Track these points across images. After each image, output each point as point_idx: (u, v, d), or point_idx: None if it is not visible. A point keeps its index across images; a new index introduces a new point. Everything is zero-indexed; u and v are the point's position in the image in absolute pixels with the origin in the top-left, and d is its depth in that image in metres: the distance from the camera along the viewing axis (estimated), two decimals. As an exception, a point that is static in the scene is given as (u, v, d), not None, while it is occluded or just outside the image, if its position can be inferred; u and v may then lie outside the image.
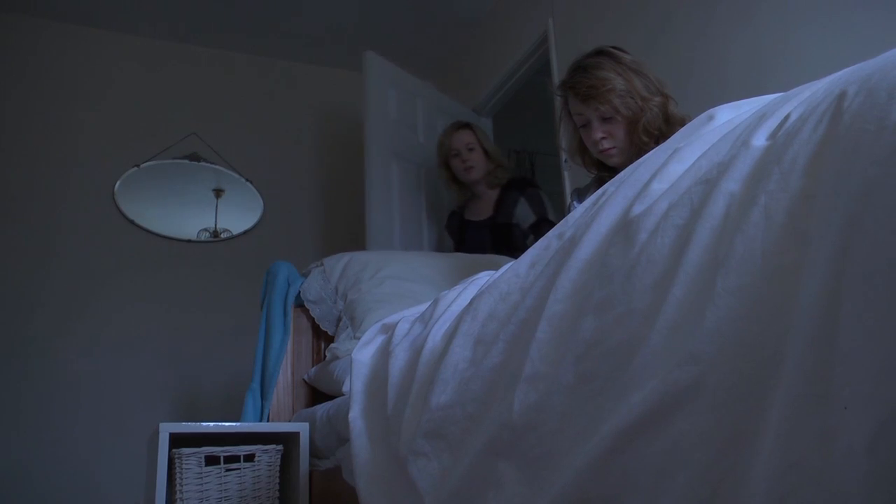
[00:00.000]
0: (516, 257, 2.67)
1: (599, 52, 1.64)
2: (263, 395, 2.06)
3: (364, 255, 2.29)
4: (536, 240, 3.14)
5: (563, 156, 2.69)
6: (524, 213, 2.78)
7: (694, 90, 2.18)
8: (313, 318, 2.17)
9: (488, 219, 2.85)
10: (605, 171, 1.73)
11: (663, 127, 1.59)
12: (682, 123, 1.47)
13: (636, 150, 1.59)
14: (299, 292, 2.21)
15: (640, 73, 1.60)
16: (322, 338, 2.22)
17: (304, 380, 2.18)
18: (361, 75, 3.23)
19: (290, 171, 3.81)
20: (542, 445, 0.68)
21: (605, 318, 0.65)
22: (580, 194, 1.82)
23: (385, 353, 1.14)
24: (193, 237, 3.52)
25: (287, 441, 1.78)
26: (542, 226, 2.69)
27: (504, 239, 2.78)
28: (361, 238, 3.19)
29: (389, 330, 1.24)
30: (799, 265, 0.50)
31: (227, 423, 1.76)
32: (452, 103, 3.73)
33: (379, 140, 3.15)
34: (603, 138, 1.61)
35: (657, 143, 1.55)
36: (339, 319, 2.12)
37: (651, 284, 0.62)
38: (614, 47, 1.65)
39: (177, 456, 1.62)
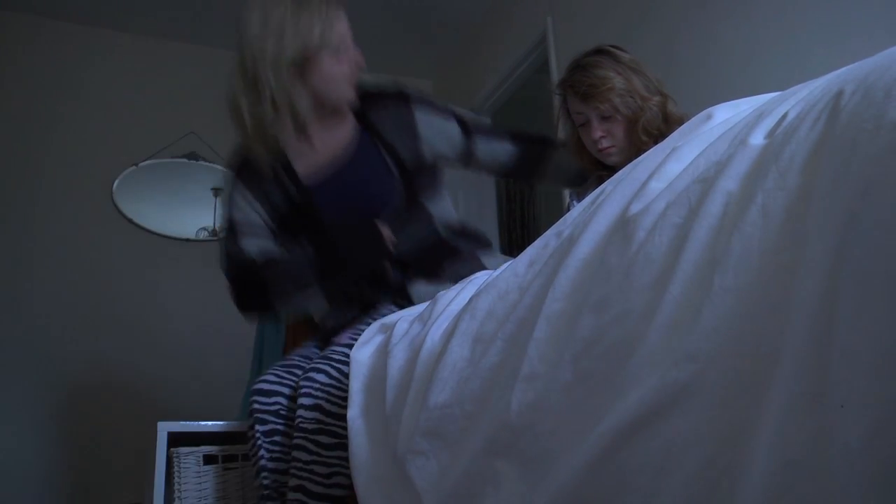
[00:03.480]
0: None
1: (598, 51, 1.64)
2: (262, 394, 2.05)
3: (363, 254, 2.28)
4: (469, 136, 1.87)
5: None
6: (439, 126, 1.66)
7: (692, 89, 2.18)
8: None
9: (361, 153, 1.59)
10: (603, 170, 1.73)
11: (662, 126, 1.59)
12: (681, 122, 1.46)
13: (635, 149, 1.59)
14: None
15: (640, 71, 1.60)
16: (321, 337, 2.21)
17: (302, 379, 2.18)
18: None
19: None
20: (540, 444, 0.68)
21: (604, 316, 0.65)
22: (579, 193, 1.82)
23: (383, 352, 1.14)
24: (192, 236, 3.52)
25: (286, 440, 1.78)
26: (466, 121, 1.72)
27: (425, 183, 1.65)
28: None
29: (388, 329, 1.23)
30: (796, 263, 0.50)
31: (225, 422, 1.77)
32: None
33: None
34: (602, 137, 1.61)
35: (656, 142, 1.54)
36: (337, 318, 2.11)
37: (649, 283, 0.62)
38: (613, 46, 1.65)
39: (175, 455, 1.62)
